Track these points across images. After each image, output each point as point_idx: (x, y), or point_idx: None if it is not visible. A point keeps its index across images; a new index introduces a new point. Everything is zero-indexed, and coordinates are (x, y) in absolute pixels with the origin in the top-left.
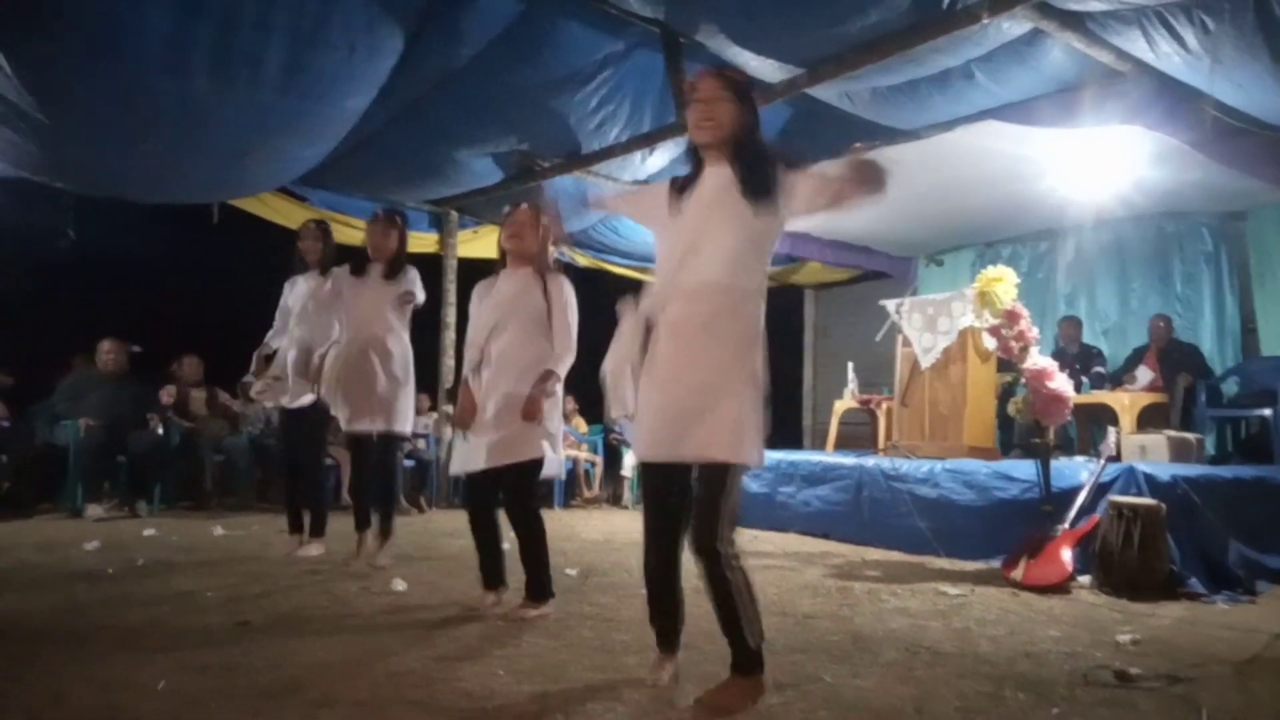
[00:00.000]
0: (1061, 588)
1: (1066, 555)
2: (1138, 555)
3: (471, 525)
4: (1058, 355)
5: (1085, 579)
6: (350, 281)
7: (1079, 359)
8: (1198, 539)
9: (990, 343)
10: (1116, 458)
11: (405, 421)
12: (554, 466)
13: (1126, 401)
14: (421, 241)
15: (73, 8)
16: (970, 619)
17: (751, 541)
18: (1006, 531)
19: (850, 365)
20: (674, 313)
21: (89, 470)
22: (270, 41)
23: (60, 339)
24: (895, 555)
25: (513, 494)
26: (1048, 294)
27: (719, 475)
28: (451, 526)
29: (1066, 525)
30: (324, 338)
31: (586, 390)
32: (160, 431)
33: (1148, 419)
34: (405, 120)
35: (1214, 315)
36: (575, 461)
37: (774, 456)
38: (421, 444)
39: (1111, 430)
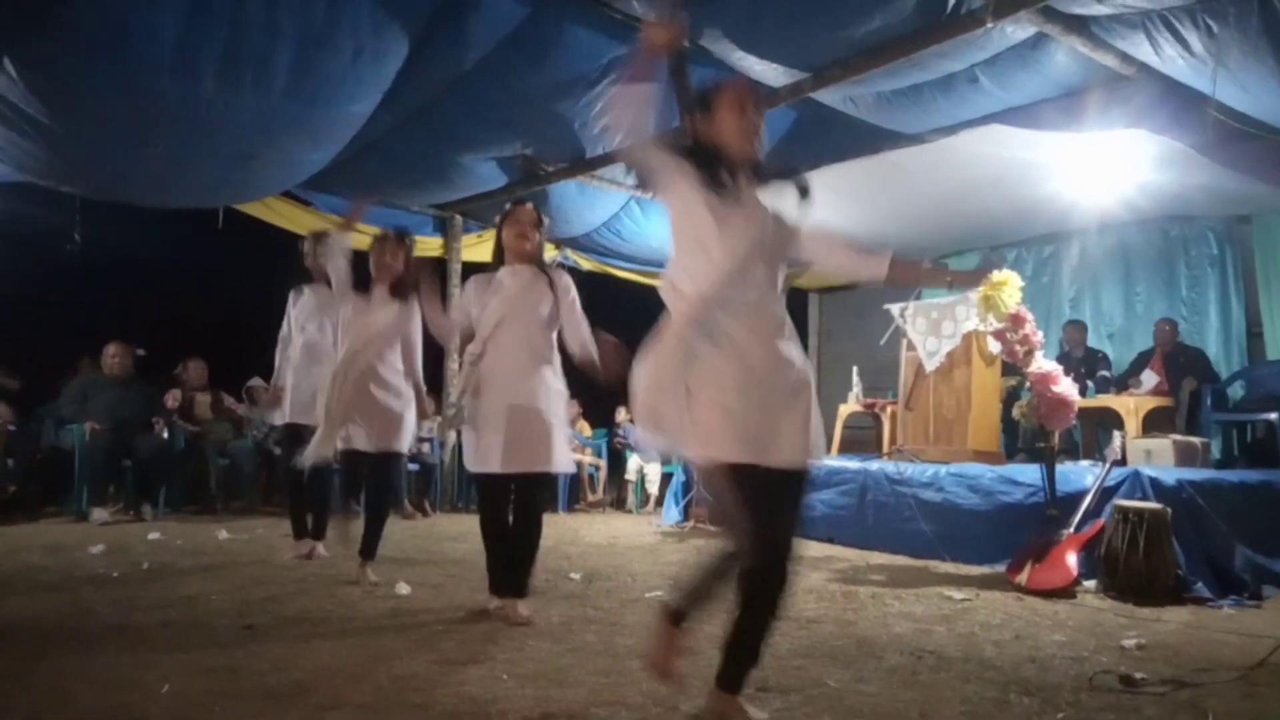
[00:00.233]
0: (1067, 592)
1: (1072, 560)
2: (1143, 560)
3: (488, 527)
4: (1063, 359)
5: (1090, 583)
6: (355, 299)
7: (1084, 363)
8: (1203, 543)
9: (995, 347)
10: (1122, 462)
11: (406, 441)
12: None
13: (1132, 405)
14: (426, 246)
15: (79, 10)
16: (975, 624)
17: None
18: (1011, 536)
19: (855, 369)
20: (745, 312)
21: (94, 474)
22: (277, 45)
23: (66, 342)
24: (900, 559)
25: (534, 497)
26: (1053, 298)
27: (809, 479)
28: (455, 530)
29: (1071, 529)
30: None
31: (589, 395)
32: (165, 435)
33: (1153, 423)
34: (410, 124)
35: (1219, 319)
36: (580, 465)
37: None
38: (426, 448)
39: (1116, 434)
